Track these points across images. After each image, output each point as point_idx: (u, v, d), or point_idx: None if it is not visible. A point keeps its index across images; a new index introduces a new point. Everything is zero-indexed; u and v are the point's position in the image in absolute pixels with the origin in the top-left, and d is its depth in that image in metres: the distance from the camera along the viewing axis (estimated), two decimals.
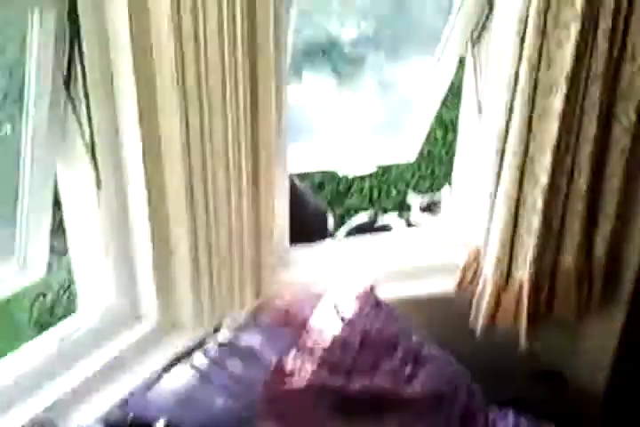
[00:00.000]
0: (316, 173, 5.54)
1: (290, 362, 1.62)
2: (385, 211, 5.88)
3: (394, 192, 5.98)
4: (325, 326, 1.74)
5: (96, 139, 1.61)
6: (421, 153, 5.63)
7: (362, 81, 2.92)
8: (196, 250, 1.79)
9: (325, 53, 2.97)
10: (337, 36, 2.83)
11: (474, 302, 2.08)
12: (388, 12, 2.58)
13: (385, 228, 2.42)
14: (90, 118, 1.59)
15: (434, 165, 5.74)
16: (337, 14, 2.68)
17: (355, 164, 2.68)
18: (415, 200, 2.43)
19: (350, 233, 2.41)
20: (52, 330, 1.77)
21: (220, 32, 1.60)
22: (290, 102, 2.00)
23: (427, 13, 2.50)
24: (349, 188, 6.09)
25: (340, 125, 2.78)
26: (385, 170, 5.89)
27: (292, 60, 2.15)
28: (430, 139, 5.56)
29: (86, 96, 1.57)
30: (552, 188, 1.85)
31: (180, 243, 1.78)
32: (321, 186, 6.03)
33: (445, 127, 5.38)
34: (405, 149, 2.65)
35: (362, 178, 5.84)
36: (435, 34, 2.23)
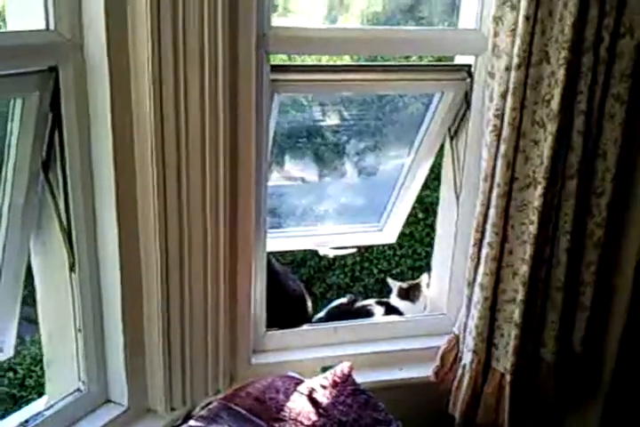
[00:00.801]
0: (298, 251, 5.57)
1: None
2: (366, 289, 5.90)
3: (375, 270, 6.00)
4: (300, 415, 1.71)
5: (72, 223, 1.62)
6: (403, 233, 5.73)
7: (343, 166, 2.99)
8: (169, 335, 1.78)
9: (308, 139, 3.05)
10: (320, 123, 2.91)
11: (452, 390, 2.06)
12: (372, 102, 2.67)
13: (365, 310, 2.41)
14: (67, 203, 1.60)
15: (415, 244, 5.79)
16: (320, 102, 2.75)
17: (334, 245, 2.68)
18: (394, 285, 2.43)
19: (330, 316, 2.39)
20: (16, 414, 1.73)
21: (202, 118, 1.65)
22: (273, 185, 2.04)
23: (408, 106, 2.59)
24: (331, 265, 6.11)
25: (321, 208, 2.82)
26: (367, 248, 5.94)
27: (274, 145, 2.21)
28: (411, 219, 5.65)
29: (64, 181, 1.58)
30: (532, 279, 1.87)
31: (153, 328, 1.76)
32: (303, 262, 6.06)
33: (426, 209, 5.46)
34: (385, 232, 2.67)
35: (344, 256, 5.88)
36: (415, 124, 2.29)
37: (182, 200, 1.69)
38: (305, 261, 6.00)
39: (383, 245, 5.84)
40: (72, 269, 1.67)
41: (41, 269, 1.76)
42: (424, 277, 2.43)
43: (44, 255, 1.74)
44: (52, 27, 1.48)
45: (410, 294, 2.39)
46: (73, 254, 1.65)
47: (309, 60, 3.71)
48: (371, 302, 2.44)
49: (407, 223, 5.67)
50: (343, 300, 2.46)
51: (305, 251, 5.67)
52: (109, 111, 1.54)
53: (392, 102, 2.71)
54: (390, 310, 2.38)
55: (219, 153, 1.71)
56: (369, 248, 5.93)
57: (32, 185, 1.58)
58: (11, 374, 4.94)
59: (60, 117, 1.55)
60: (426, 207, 5.47)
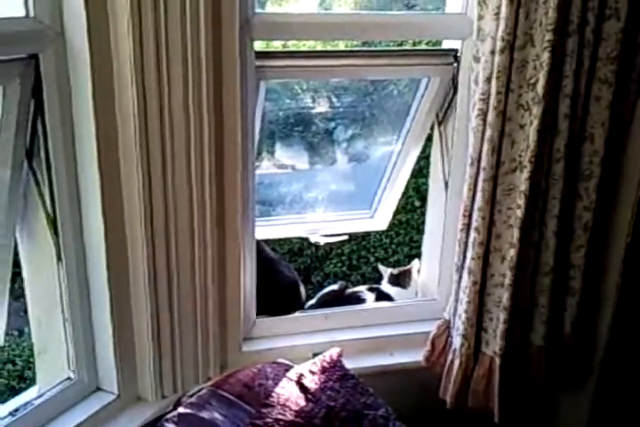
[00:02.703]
0: (295, 239, 5.57)
1: None
2: (363, 277, 5.90)
3: (372, 259, 6.01)
4: (288, 400, 1.71)
5: (57, 211, 1.61)
6: (399, 221, 5.74)
7: (333, 153, 2.99)
8: (158, 323, 1.78)
9: (298, 127, 3.04)
10: (310, 110, 2.91)
11: (443, 375, 2.07)
12: (361, 89, 2.67)
13: (356, 296, 2.41)
14: (52, 191, 1.60)
15: (412, 232, 5.79)
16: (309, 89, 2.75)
17: (325, 232, 2.68)
18: (385, 271, 2.44)
19: (321, 303, 2.39)
20: (7, 403, 1.73)
21: (186, 106, 1.64)
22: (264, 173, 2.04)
23: (397, 93, 2.58)
24: (328, 254, 6.11)
25: (312, 195, 2.82)
26: (364, 237, 5.94)
27: (263, 133, 2.20)
28: (408, 207, 5.65)
29: (48, 169, 1.58)
30: (520, 263, 1.86)
31: (142, 316, 1.76)
32: (300, 252, 6.06)
33: (423, 197, 5.45)
34: (377, 219, 2.67)
35: (341, 244, 5.88)
36: (404, 111, 2.28)
37: (167, 187, 1.68)
38: (302, 250, 6.00)
39: (380, 234, 5.84)
40: (58, 257, 1.67)
41: (28, 258, 1.77)
42: (415, 263, 2.43)
43: (30, 245, 1.74)
44: (31, 14, 1.47)
45: (400, 279, 2.39)
46: (59, 243, 1.65)
47: (306, 47, 3.72)
48: (362, 288, 2.44)
49: (404, 211, 5.71)
50: (334, 287, 2.46)
51: (302, 240, 5.67)
52: (92, 98, 1.53)
53: (381, 89, 2.70)
54: (381, 296, 2.38)
55: (204, 141, 1.70)
56: (365, 237, 5.93)
57: (16, 174, 1.58)
58: (10, 366, 4.95)
59: (42, 105, 1.54)
60: (422, 195, 5.46)
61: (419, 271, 2.41)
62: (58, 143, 1.57)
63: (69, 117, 1.57)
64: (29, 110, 1.54)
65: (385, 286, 2.42)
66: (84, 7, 1.46)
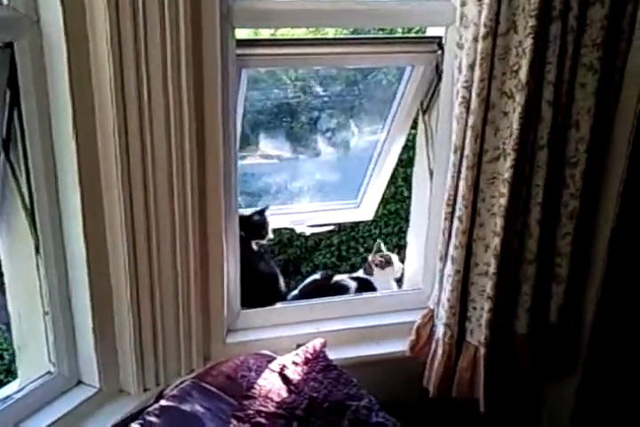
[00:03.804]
0: (285, 230, 5.56)
1: None
2: (353, 267, 5.90)
3: (361, 249, 6.00)
4: (271, 392, 1.70)
5: (35, 203, 1.59)
6: (389, 211, 5.73)
7: (320, 143, 2.97)
8: (139, 315, 1.76)
9: (285, 116, 3.03)
10: (296, 100, 2.89)
11: (427, 364, 2.06)
12: (349, 78, 2.65)
13: (339, 285, 2.40)
14: (29, 182, 1.57)
15: (401, 222, 5.79)
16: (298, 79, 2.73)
17: (311, 222, 2.67)
18: (372, 259, 2.42)
19: (304, 293, 2.38)
20: None
21: (165, 93, 1.62)
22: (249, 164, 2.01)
23: (382, 82, 2.56)
24: (317, 245, 6.11)
25: (298, 185, 2.80)
26: (353, 228, 5.93)
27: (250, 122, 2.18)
28: (398, 197, 5.64)
29: (26, 160, 1.55)
30: (504, 252, 1.85)
31: (122, 309, 1.74)
32: (290, 242, 6.05)
33: (411, 186, 5.43)
34: (362, 209, 2.66)
35: (330, 235, 5.87)
36: (390, 100, 2.26)
37: (148, 178, 1.66)
38: (291, 241, 6.00)
39: (369, 224, 5.84)
40: (37, 250, 1.65)
41: (7, 251, 1.75)
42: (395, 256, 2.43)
43: (9, 238, 1.72)
44: (5, 1, 1.45)
45: (379, 265, 2.39)
46: (37, 235, 1.63)
47: (295, 35, 3.69)
48: (344, 276, 2.43)
49: (393, 201, 5.70)
50: (316, 276, 2.44)
51: (291, 231, 5.66)
52: (69, 87, 1.51)
53: (368, 78, 2.68)
54: (363, 283, 2.37)
55: (184, 129, 1.68)
56: (354, 227, 5.92)
57: None
58: None
59: (18, 96, 1.51)
60: (411, 185, 5.45)
61: (402, 261, 2.40)
62: (35, 134, 1.55)
63: (46, 108, 1.55)
64: (5, 101, 1.51)
65: (363, 274, 2.41)
66: None
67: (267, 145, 3.02)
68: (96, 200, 1.63)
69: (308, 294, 2.32)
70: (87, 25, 1.51)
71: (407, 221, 2.44)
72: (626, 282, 2.09)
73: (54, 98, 1.54)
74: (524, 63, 1.68)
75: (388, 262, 2.40)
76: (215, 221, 1.87)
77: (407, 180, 5.32)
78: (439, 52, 2.01)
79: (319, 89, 2.81)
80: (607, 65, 1.77)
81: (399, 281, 2.47)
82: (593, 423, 2.22)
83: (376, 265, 2.40)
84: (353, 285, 2.36)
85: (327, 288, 2.34)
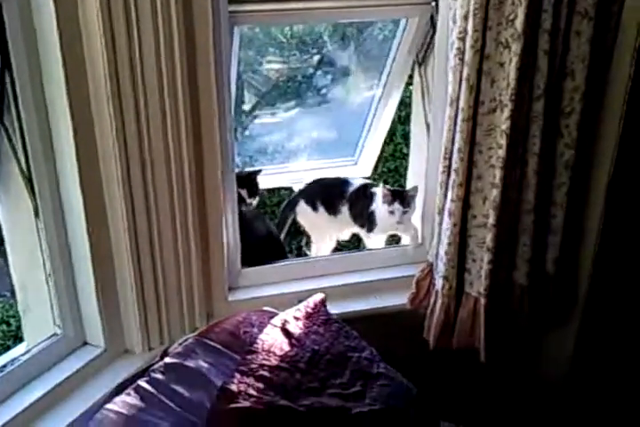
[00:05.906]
0: (283, 191, 5.54)
1: (236, 384, 1.60)
2: None
3: None
4: (273, 346, 1.72)
5: (32, 166, 1.59)
6: (388, 168, 5.70)
7: (317, 100, 2.95)
8: (141, 275, 1.77)
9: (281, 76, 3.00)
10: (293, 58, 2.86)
11: (427, 316, 2.09)
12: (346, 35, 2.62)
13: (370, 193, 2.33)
14: (25, 146, 1.57)
15: (401, 180, 5.77)
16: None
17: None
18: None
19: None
20: None
21: (157, 49, 1.60)
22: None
23: (379, 36, 2.53)
24: None
25: (295, 144, 2.79)
26: None
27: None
28: (397, 155, 5.60)
29: (20, 124, 1.54)
30: (502, 203, 1.85)
31: (124, 269, 1.75)
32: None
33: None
34: (360, 165, 2.65)
35: None
36: (385, 54, 2.24)
37: (143, 139, 1.65)
38: None
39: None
40: (36, 213, 1.65)
41: (6, 216, 1.75)
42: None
43: (8, 202, 1.72)
44: None
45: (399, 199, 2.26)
46: (35, 199, 1.63)
47: None
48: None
49: (392, 159, 5.65)
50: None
51: (290, 192, 5.65)
52: (59, 46, 1.49)
53: (361, 34, 2.64)
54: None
55: (177, 92, 1.67)
56: None
57: None
58: (4, 327, 4.96)
59: (9, 58, 1.49)
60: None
61: None
62: (27, 96, 1.54)
63: (38, 69, 1.53)
64: None
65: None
66: None
67: (264, 105, 3.00)
68: (92, 163, 1.63)
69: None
70: None
71: (407, 177, 2.42)
72: (623, 233, 2.09)
73: (45, 59, 1.53)
74: (520, 12, 1.66)
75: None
76: (213, 183, 1.87)
77: (406, 137, 5.27)
78: (433, 3, 1.99)
79: (317, 46, 2.77)
80: (602, 11, 1.75)
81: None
82: (591, 370, 2.24)
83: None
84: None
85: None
